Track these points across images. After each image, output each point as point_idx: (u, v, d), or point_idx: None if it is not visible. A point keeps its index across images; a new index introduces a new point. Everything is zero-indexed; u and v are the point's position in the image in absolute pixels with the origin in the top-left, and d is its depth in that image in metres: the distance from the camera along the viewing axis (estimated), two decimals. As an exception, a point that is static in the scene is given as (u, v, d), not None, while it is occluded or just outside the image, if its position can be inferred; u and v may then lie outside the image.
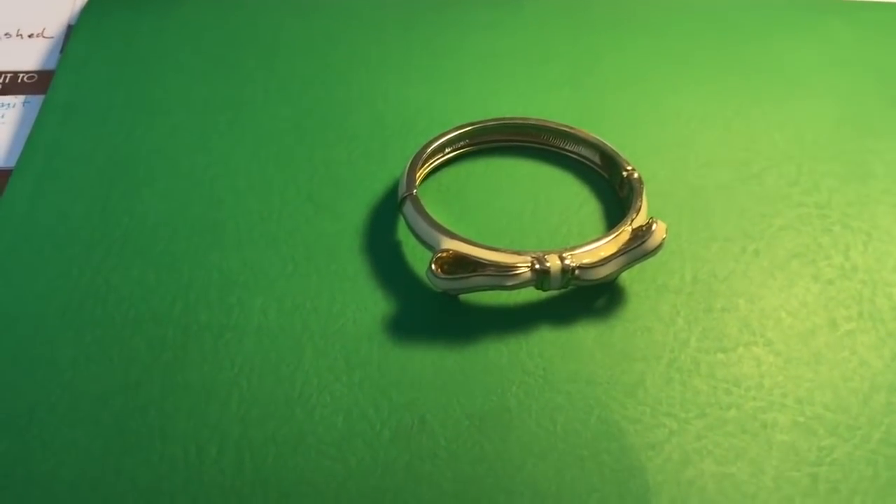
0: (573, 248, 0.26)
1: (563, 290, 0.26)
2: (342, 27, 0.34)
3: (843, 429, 0.24)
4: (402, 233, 0.28)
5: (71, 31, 0.34)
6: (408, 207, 0.27)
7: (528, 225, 0.28)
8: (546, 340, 0.26)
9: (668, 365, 0.25)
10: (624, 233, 0.26)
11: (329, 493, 0.23)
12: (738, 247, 0.28)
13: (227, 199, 0.28)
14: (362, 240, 0.28)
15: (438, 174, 0.30)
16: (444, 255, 0.25)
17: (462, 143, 0.30)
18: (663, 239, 0.26)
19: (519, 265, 0.25)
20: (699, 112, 0.32)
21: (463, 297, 0.26)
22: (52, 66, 0.34)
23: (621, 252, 0.26)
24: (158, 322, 0.25)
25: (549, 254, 0.25)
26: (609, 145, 0.29)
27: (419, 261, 0.27)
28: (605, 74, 0.33)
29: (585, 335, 0.26)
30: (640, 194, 0.27)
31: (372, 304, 0.26)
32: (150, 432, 0.23)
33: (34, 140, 0.30)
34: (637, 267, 0.26)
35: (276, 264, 0.27)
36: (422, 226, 0.26)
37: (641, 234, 0.26)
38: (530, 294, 0.26)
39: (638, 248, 0.25)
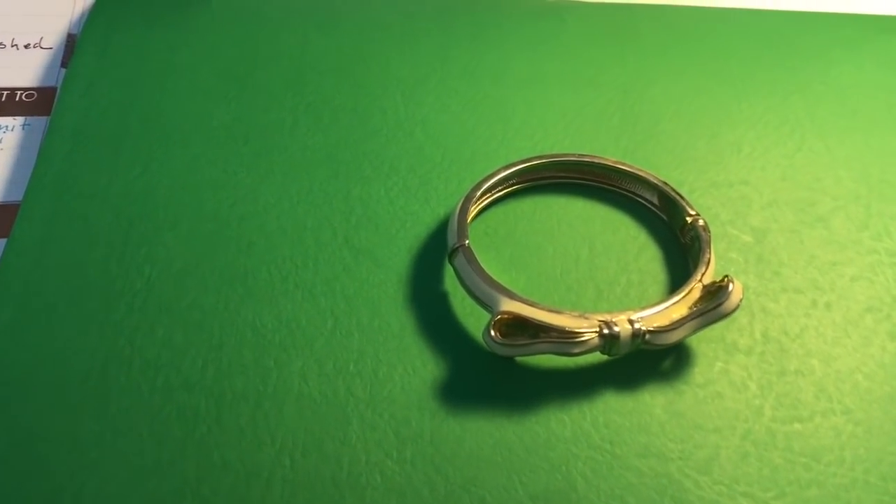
0: (642, 310, 0.24)
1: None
2: (373, 44, 0.31)
3: (931, 509, 0.22)
4: (450, 282, 0.26)
5: (72, 41, 0.31)
6: (460, 260, 0.25)
7: (584, 273, 0.26)
8: (611, 408, 0.24)
9: (742, 437, 0.23)
10: (695, 290, 0.24)
11: (385, 589, 0.21)
12: (809, 299, 0.26)
13: (257, 243, 0.26)
14: (406, 290, 0.25)
15: (486, 214, 0.27)
16: (504, 317, 0.23)
17: (511, 181, 0.27)
18: (740, 300, 0.24)
19: (585, 330, 0.23)
20: (759, 146, 0.29)
21: (519, 357, 0.24)
22: (52, 82, 0.31)
23: (695, 315, 0.24)
24: (190, 390, 0.23)
25: (616, 316, 0.23)
26: (670, 186, 0.27)
27: (470, 315, 0.25)
28: (658, 102, 0.30)
29: (653, 402, 0.24)
30: (708, 244, 0.25)
31: (421, 365, 0.24)
32: (187, 520, 0.21)
33: (40, 173, 0.27)
34: (705, 325, 0.24)
35: (314, 319, 0.25)
36: (477, 283, 0.24)
37: (715, 293, 0.24)
38: (592, 355, 0.24)
39: (714, 312, 0.24)
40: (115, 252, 0.25)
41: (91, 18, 0.31)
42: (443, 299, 0.25)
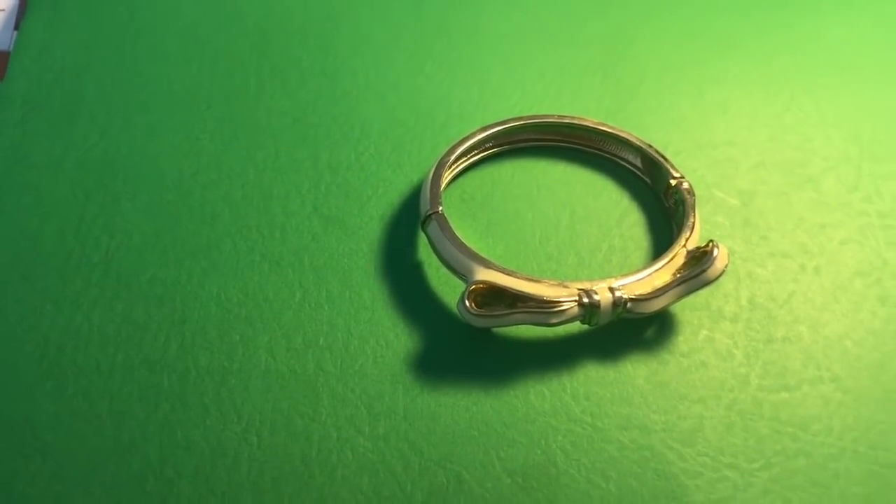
0: (623, 277, 0.23)
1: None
2: (343, 4, 0.30)
3: (921, 478, 0.22)
4: (425, 252, 0.25)
5: (25, 2, 0.30)
6: (433, 228, 0.23)
7: (564, 240, 0.25)
8: (592, 379, 0.23)
9: (728, 407, 0.23)
10: (678, 256, 0.23)
11: (358, 570, 0.20)
12: (797, 264, 0.25)
13: (221, 213, 0.25)
14: (378, 260, 0.24)
15: (461, 179, 0.26)
16: (479, 287, 0.22)
17: (488, 144, 0.26)
18: (726, 266, 0.23)
19: (564, 299, 0.22)
20: (747, 105, 0.28)
21: (497, 328, 0.23)
22: (4, 46, 0.29)
23: (678, 282, 0.23)
24: (151, 368, 0.22)
25: (596, 284, 0.22)
26: (654, 148, 0.26)
27: (445, 284, 0.24)
28: (641, 60, 0.29)
29: (636, 373, 0.23)
30: (693, 209, 0.24)
31: (394, 337, 0.23)
32: (150, 503, 0.20)
33: (-9, 142, 0.25)
34: (689, 291, 0.23)
35: (281, 292, 0.23)
36: (451, 251, 0.23)
37: (700, 259, 0.23)
38: (572, 324, 0.23)
39: (698, 278, 0.23)
40: (71, 224, 0.24)
41: (45, -23, 0.30)
42: (416, 269, 0.24)
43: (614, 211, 0.26)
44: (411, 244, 0.25)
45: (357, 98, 0.27)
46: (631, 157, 0.26)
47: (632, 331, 0.24)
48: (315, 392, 0.22)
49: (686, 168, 0.27)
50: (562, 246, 0.25)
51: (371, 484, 0.21)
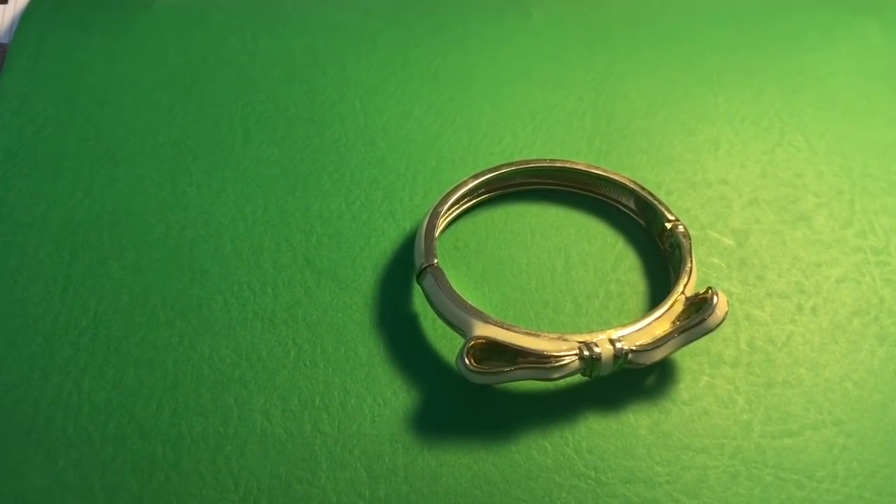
0: (623, 328, 0.23)
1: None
2: (328, 46, 0.29)
3: (928, 524, 0.22)
4: (420, 303, 0.24)
5: (2, 53, 0.29)
6: (429, 282, 0.23)
7: (561, 287, 0.25)
8: (595, 432, 0.22)
9: (731, 456, 0.22)
10: (677, 303, 0.23)
11: None
12: (794, 304, 0.25)
13: (211, 270, 0.24)
14: (373, 313, 0.24)
15: (455, 227, 0.26)
16: (478, 342, 0.22)
17: (480, 190, 0.26)
18: (726, 314, 0.23)
19: (565, 354, 0.22)
20: (737, 142, 0.28)
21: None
22: (-16, 97, 0.28)
23: (679, 330, 0.22)
24: (145, 436, 0.21)
25: (596, 336, 0.22)
26: (647, 190, 0.26)
27: (442, 337, 0.24)
28: (630, 98, 0.29)
29: (638, 423, 0.23)
30: (689, 253, 0.24)
31: (392, 395, 0.23)
32: (146, 579, 0.20)
33: (-29, 202, 0.25)
34: (689, 337, 0.23)
35: (275, 350, 0.23)
36: (447, 306, 0.23)
37: (699, 306, 0.23)
38: (573, 377, 0.23)
39: (698, 327, 0.22)
40: (58, 287, 0.23)
41: (21, 26, 0.29)
42: (412, 322, 0.24)
43: (610, 255, 0.26)
44: (406, 296, 0.24)
45: (346, 145, 0.27)
46: (625, 200, 0.26)
47: (632, 380, 0.23)
48: (313, 455, 0.22)
49: (679, 208, 0.26)
50: (558, 293, 0.25)
51: (373, 549, 0.20)
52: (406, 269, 0.25)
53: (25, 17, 0.29)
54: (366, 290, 0.24)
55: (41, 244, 0.24)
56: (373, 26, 0.30)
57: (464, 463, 0.22)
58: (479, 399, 0.23)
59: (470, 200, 0.26)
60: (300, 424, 0.22)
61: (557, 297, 0.25)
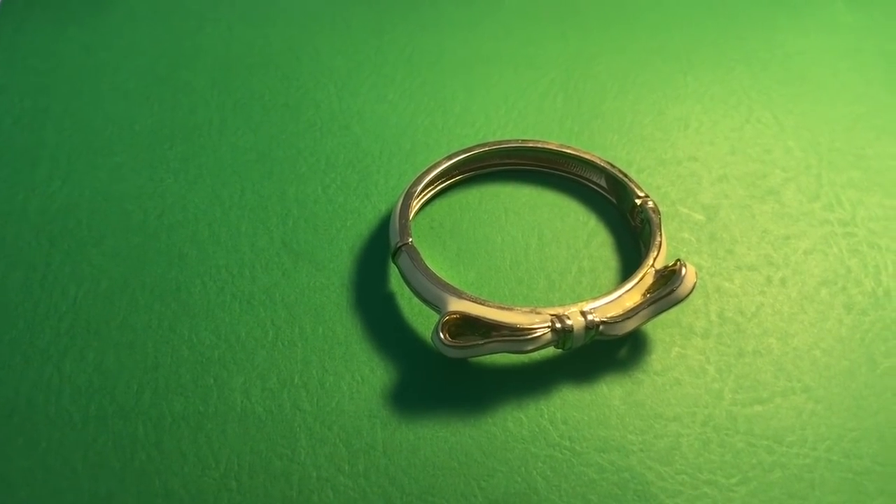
0: (594, 300, 0.23)
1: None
2: (303, 33, 0.30)
3: (894, 484, 0.22)
4: (397, 282, 0.25)
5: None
6: (404, 260, 0.24)
7: (535, 264, 0.25)
8: (569, 403, 0.23)
9: (703, 423, 0.23)
10: (647, 276, 0.24)
11: None
12: (764, 276, 0.25)
13: (189, 254, 0.24)
14: (350, 293, 0.24)
15: (430, 208, 0.26)
16: (452, 317, 0.22)
17: (454, 171, 0.26)
18: (694, 284, 0.23)
19: (537, 326, 0.22)
20: (706, 120, 0.29)
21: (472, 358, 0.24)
22: (-39, 90, 0.29)
23: (648, 302, 0.23)
24: (126, 416, 0.22)
25: (568, 309, 0.23)
26: (617, 168, 0.26)
27: (419, 315, 0.24)
28: (601, 79, 0.29)
29: (611, 394, 0.23)
30: (659, 227, 0.25)
31: (369, 372, 0.23)
32: (129, 555, 0.20)
33: (-50, 192, 0.25)
34: (660, 310, 0.24)
35: (254, 331, 0.23)
36: (422, 282, 0.23)
37: (668, 278, 0.23)
38: (547, 349, 0.24)
39: (668, 298, 0.23)
40: (37, 273, 0.24)
41: (2, 13, 0.29)
42: (389, 301, 0.24)
43: (582, 232, 0.26)
44: (382, 276, 0.25)
45: (321, 129, 0.27)
46: (596, 178, 0.27)
47: (606, 352, 0.24)
48: (293, 432, 0.22)
49: (650, 185, 0.27)
50: (532, 270, 0.25)
51: (353, 521, 0.21)
52: (382, 249, 0.25)
53: (2, 10, 0.30)
54: (342, 271, 0.25)
55: (20, 232, 0.24)
56: (347, 12, 0.31)
57: (441, 436, 0.22)
58: (455, 374, 0.23)
59: (445, 181, 0.26)
60: (279, 402, 0.22)
61: (531, 274, 0.25)
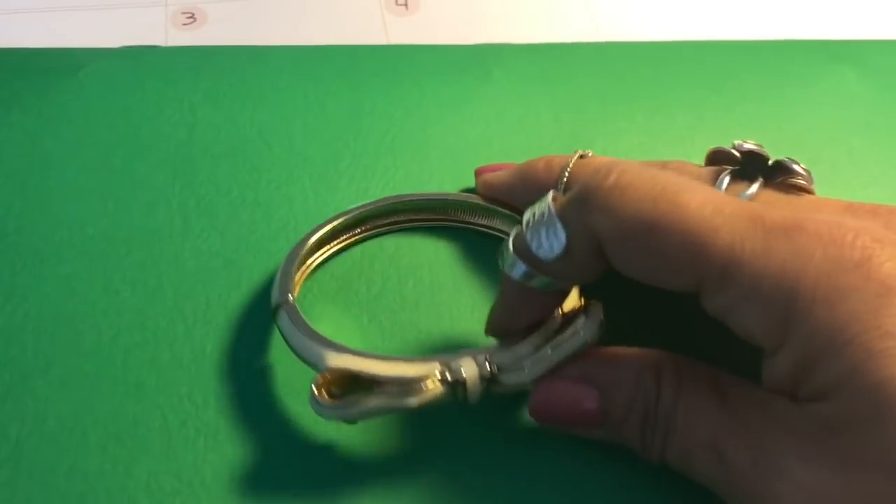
0: (491, 347, 0.21)
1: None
2: (273, 116, 0.27)
3: None
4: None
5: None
6: (282, 319, 0.22)
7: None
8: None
9: None
10: (553, 321, 0.21)
11: None
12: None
13: (147, 382, 0.22)
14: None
15: (328, 265, 0.24)
16: (329, 375, 0.20)
17: (357, 229, 0.25)
18: (601, 323, 0.20)
19: (424, 377, 0.20)
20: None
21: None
22: None
23: (551, 345, 0.20)
24: (73, 587, 0.19)
25: (462, 357, 0.20)
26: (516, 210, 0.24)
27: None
28: (599, 167, 0.27)
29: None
30: None
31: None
32: None
33: None
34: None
35: (221, 473, 0.21)
36: (299, 340, 0.21)
37: (572, 321, 0.21)
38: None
39: (570, 342, 0.20)
40: (-28, 413, 0.21)
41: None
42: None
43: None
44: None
45: (295, 230, 0.25)
46: (506, 228, 0.25)
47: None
48: None
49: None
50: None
51: None
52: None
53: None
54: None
55: (-45, 362, 0.22)
56: (321, 89, 0.28)
57: None
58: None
59: (345, 240, 0.25)
60: (253, 559, 0.20)
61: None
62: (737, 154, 0.23)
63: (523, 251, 0.20)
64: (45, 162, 0.25)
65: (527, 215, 0.20)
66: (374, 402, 0.20)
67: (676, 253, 0.18)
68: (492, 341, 0.22)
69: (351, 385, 0.20)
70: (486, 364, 0.20)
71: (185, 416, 0.22)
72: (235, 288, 0.24)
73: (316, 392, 0.20)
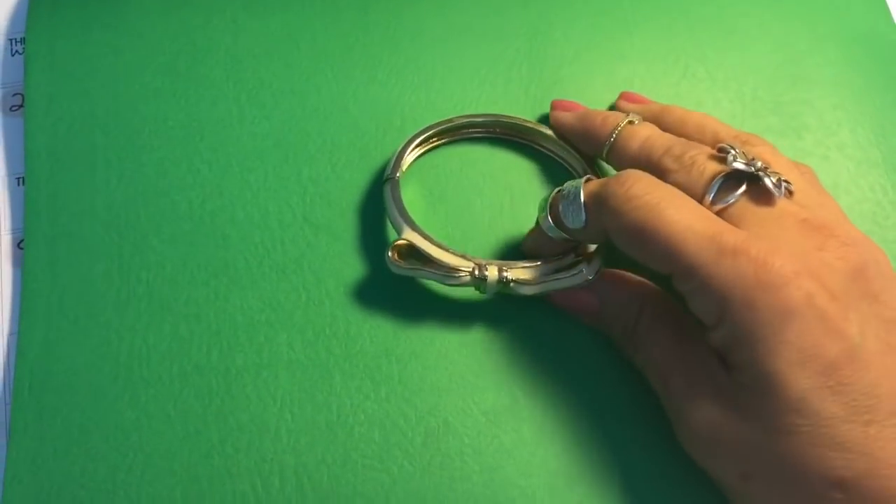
0: (516, 262, 0.29)
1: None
2: (299, 20, 0.34)
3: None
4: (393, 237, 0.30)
5: (16, 48, 0.33)
6: (387, 190, 0.30)
7: (506, 222, 0.31)
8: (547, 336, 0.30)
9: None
10: (569, 257, 0.29)
11: (380, 501, 0.27)
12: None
13: (231, 234, 0.30)
14: (362, 256, 0.30)
15: (423, 159, 0.32)
16: (402, 244, 0.28)
17: (446, 135, 0.32)
18: (597, 272, 0.28)
19: (461, 269, 0.28)
20: (649, 78, 0.34)
21: (462, 301, 0.30)
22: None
23: (553, 278, 0.28)
24: (201, 373, 0.28)
25: (491, 263, 0.28)
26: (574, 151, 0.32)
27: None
28: (560, 45, 0.34)
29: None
30: None
31: (383, 319, 0.29)
32: (219, 474, 0.27)
33: (31, 198, 0.30)
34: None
35: (290, 295, 0.30)
36: (392, 212, 0.29)
37: (580, 263, 0.28)
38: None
39: (570, 278, 0.28)
40: (114, 263, 0.30)
41: (31, 25, 0.33)
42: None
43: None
44: (383, 237, 0.31)
45: (324, 113, 0.32)
46: (564, 154, 0.32)
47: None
48: (329, 372, 0.29)
49: (602, 143, 0.32)
50: (494, 225, 0.31)
51: (381, 435, 0.28)
52: (382, 219, 0.31)
53: (32, 16, 0.33)
54: (352, 237, 0.31)
55: (94, 229, 0.30)
56: (335, -4, 0.35)
57: (442, 365, 0.29)
58: (451, 317, 0.30)
59: (438, 140, 0.32)
60: (316, 350, 0.29)
61: (493, 229, 0.31)
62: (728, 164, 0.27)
63: (554, 213, 0.28)
64: (127, 70, 0.33)
65: (564, 188, 0.28)
66: (424, 273, 0.28)
67: (657, 252, 0.25)
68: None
69: (415, 254, 0.29)
70: (506, 274, 0.28)
71: (261, 258, 0.30)
72: (284, 161, 0.32)
73: (389, 253, 0.28)
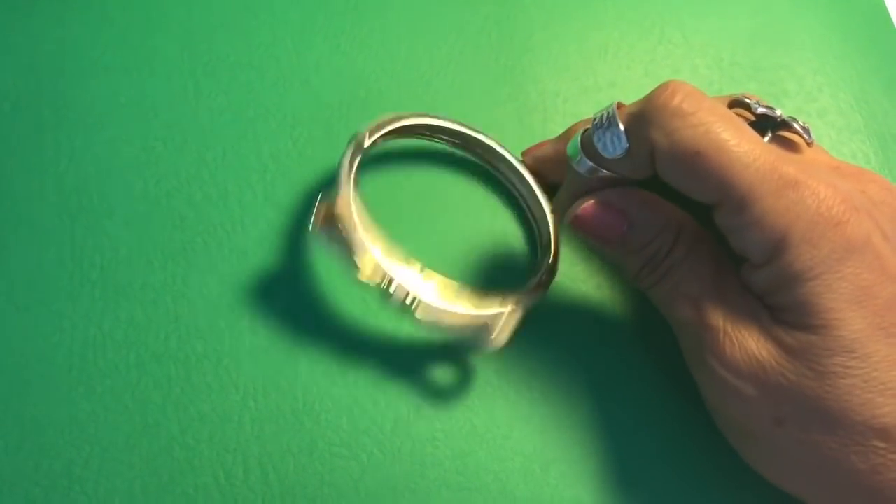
0: (446, 289, 0.26)
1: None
2: (257, -10, 0.32)
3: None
4: (364, 223, 0.29)
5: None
6: (348, 151, 0.27)
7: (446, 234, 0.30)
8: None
9: (619, 321, 0.29)
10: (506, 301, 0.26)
11: (349, 490, 0.26)
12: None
13: (188, 216, 0.29)
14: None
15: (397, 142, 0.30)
16: (331, 206, 0.25)
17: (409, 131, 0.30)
18: (508, 340, 0.26)
19: (367, 269, 0.25)
20: (624, 45, 0.32)
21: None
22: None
23: (459, 327, 0.26)
24: (159, 361, 0.27)
25: (412, 272, 0.25)
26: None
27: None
28: (530, 11, 0.33)
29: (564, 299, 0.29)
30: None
31: (350, 303, 0.28)
32: (180, 467, 0.26)
33: (-25, 179, 0.29)
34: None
35: (251, 279, 0.28)
36: (340, 172, 0.26)
37: (486, 328, 0.26)
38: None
39: (478, 338, 0.26)
40: (67, 247, 0.28)
41: (-25, 1, 0.32)
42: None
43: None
44: (352, 218, 0.30)
45: (284, 86, 0.31)
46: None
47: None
48: (294, 357, 0.28)
49: (574, 114, 0.31)
50: (444, 239, 0.30)
51: (349, 422, 0.27)
52: (349, 194, 0.30)
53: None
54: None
55: (44, 211, 0.29)
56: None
57: (413, 348, 0.28)
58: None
59: (404, 132, 0.30)
60: (281, 334, 0.28)
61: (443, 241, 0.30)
62: (753, 110, 0.26)
63: (590, 149, 0.25)
64: (74, 45, 0.31)
65: (595, 118, 0.25)
66: (335, 247, 0.25)
67: (711, 178, 0.23)
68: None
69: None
70: (415, 289, 0.25)
71: (220, 240, 0.29)
72: (243, 138, 0.30)
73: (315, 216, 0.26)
